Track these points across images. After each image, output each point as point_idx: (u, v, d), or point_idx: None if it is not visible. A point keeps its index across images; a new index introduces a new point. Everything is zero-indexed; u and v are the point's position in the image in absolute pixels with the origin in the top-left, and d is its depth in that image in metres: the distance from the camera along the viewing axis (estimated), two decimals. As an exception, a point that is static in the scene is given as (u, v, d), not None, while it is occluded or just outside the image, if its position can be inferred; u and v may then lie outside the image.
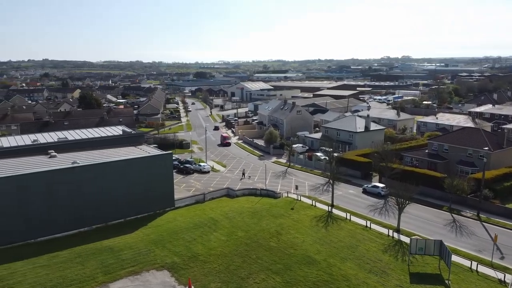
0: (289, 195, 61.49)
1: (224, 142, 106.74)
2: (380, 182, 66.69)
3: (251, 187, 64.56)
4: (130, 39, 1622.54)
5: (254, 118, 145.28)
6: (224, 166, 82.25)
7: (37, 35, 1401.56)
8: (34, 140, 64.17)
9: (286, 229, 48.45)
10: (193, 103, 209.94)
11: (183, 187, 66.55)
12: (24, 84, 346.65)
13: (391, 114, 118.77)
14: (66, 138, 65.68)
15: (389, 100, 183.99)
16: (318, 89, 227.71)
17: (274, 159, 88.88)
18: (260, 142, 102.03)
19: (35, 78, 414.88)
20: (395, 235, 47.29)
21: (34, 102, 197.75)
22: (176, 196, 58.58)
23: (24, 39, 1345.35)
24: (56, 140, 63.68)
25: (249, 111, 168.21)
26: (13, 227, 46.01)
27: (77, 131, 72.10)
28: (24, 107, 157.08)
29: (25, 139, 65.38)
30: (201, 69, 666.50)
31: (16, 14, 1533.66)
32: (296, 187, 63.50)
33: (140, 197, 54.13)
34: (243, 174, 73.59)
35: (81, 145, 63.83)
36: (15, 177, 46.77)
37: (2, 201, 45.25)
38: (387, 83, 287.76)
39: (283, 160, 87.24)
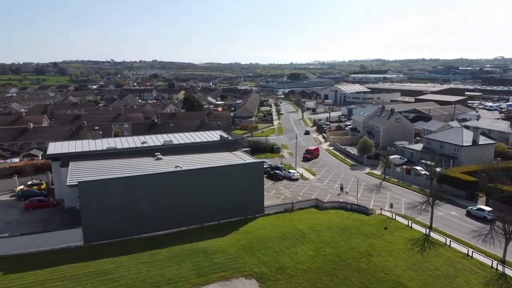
0: (383, 212, 58.92)
1: (307, 157, 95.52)
2: (486, 205, 60.55)
3: (341, 200, 63.35)
4: (229, 41, 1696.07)
5: (348, 123, 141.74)
6: (314, 174, 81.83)
7: (149, 37, 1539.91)
8: (143, 142, 70.65)
9: (377, 251, 46.66)
10: (280, 102, 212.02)
11: (273, 194, 67.87)
12: (135, 84, 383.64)
13: (503, 125, 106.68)
14: (171, 141, 71.18)
15: (501, 108, 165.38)
16: (421, 92, 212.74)
17: (367, 170, 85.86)
18: (353, 150, 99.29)
19: (145, 78, 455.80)
20: (500, 267, 42.68)
21: (144, 102, 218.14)
22: (266, 203, 60.08)
23: (136, 41, 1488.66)
24: (162, 143, 69.50)
25: (342, 115, 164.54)
26: (123, 223, 51.32)
27: (181, 134, 77.66)
28: (135, 106, 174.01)
29: (136, 141, 72.32)
30: (295, 70, 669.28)
31: (130, 18, 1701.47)
32: (391, 205, 60.52)
33: (233, 202, 56.71)
34: (341, 189, 70.00)
35: (183, 149, 68.81)
36: (127, 178, 52.32)
37: (114, 199, 50.85)
38: (500, 88, 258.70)
39: (377, 172, 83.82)
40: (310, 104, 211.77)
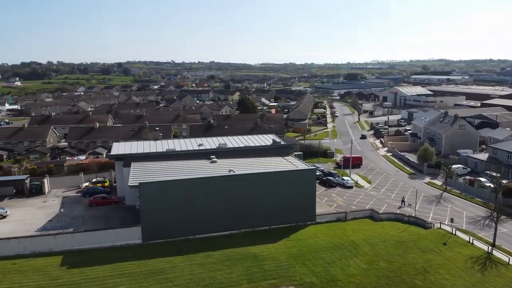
0: (442, 226, 55.82)
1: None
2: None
3: (398, 212, 61.01)
4: (285, 40, 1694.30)
5: (407, 128, 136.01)
6: (369, 182, 79.50)
7: (206, 39, 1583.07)
8: (200, 145, 72.84)
9: (434, 268, 44.44)
10: (332, 102, 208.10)
11: (325, 201, 66.93)
12: (194, 85, 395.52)
13: None
14: (225, 144, 72.77)
15: None
16: (488, 96, 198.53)
17: (427, 179, 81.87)
18: (412, 158, 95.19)
19: (203, 79, 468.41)
20: None
21: (201, 102, 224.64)
22: (318, 211, 59.42)
23: (195, 42, 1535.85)
24: (217, 146, 71.24)
25: (401, 119, 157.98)
26: (179, 224, 53.29)
27: (234, 137, 79.11)
28: (193, 107, 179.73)
29: (193, 143, 74.73)
30: (352, 70, 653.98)
31: (189, 20, 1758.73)
32: (452, 220, 57.19)
33: (284, 208, 56.75)
34: (403, 201, 65.74)
35: (236, 153, 70.03)
36: (183, 181, 54.43)
37: (172, 200, 52.97)
38: None
39: (438, 182, 79.64)
40: (367, 106, 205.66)
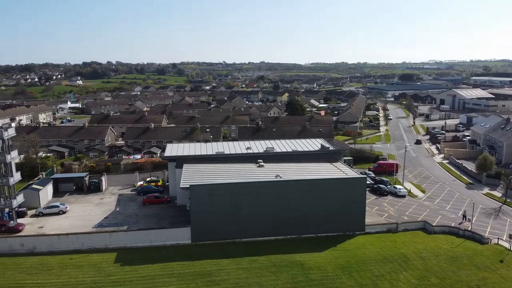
0: (500, 242, 52.48)
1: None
2: None
3: (452, 225, 57.99)
4: (336, 39, 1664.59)
5: (466, 134, 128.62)
6: (423, 192, 76.12)
7: (257, 39, 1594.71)
8: (248, 148, 73.75)
9: (490, 286, 41.94)
10: (385, 104, 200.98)
11: (375, 210, 65.04)
12: (243, 85, 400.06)
13: None
14: (273, 148, 73.03)
15: None
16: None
17: (485, 190, 77.06)
18: (470, 166, 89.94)
19: (252, 79, 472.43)
20: None
21: (250, 103, 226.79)
22: (367, 220, 57.94)
23: (246, 42, 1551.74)
24: (264, 150, 71.71)
25: (460, 124, 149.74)
26: (226, 226, 54.34)
27: (282, 141, 79.16)
28: (242, 108, 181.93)
29: (241, 146, 75.79)
30: (408, 70, 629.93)
31: (240, 20, 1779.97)
32: (510, 236, 53.39)
33: (332, 216, 55.97)
34: (464, 216, 60.55)
35: (283, 157, 70.05)
36: (232, 184, 55.41)
37: (220, 203, 54.10)
38: None
39: (497, 194, 74.71)
40: (423, 109, 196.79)
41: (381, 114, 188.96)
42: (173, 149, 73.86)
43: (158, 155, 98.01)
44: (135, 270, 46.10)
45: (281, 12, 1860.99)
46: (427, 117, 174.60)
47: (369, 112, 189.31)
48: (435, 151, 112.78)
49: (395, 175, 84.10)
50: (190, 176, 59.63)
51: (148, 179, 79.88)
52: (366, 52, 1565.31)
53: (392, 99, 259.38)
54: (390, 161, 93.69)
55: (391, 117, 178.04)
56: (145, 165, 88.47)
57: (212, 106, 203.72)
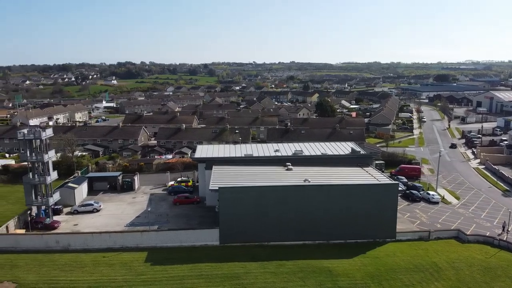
0: (539, 253, 50.05)
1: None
2: None
3: (487, 234, 55.76)
4: (369, 39, 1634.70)
5: (503, 138, 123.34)
6: (458, 198, 73.55)
7: (287, 39, 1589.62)
8: (276, 150, 73.70)
9: (528, 302, 40.06)
10: (419, 106, 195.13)
11: (407, 217, 63.45)
12: (273, 86, 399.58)
13: None
14: (301, 151, 72.66)
15: None
16: None
17: (524, 198, 73.79)
18: (508, 173, 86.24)
19: (282, 79, 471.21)
20: None
21: (279, 104, 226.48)
22: (398, 227, 56.61)
23: (276, 42, 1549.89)
24: (292, 153, 71.46)
25: (497, 128, 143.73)
26: (254, 229, 54.51)
27: (311, 144, 78.61)
28: (271, 109, 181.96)
29: (270, 148, 75.86)
30: (443, 70, 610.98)
31: (270, 20, 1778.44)
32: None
33: (362, 222, 55.03)
34: (503, 228, 57.79)
35: (312, 161, 69.55)
36: (260, 187, 55.64)
37: (248, 205, 54.34)
38: None
39: (537, 202, 71.39)
40: (459, 111, 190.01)
41: (415, 116, 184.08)
42: (203, 151, 74.89)
43: (189, 155, 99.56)
44: (165, 270, 47.04)
45: (312, 12, 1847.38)
46: (463, 120, 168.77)
47: (402, 114, 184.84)
48: (471, 156, 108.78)
49: (418, 179, 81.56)
50: (219, 178, 60.20)
51: (178, 179, 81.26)
52: (400, 52, 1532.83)
53: (427, 100, 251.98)
54: (411, 165, 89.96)
55: (425, 119, 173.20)
56: (176, 165, 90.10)
57: (241, 106, 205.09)
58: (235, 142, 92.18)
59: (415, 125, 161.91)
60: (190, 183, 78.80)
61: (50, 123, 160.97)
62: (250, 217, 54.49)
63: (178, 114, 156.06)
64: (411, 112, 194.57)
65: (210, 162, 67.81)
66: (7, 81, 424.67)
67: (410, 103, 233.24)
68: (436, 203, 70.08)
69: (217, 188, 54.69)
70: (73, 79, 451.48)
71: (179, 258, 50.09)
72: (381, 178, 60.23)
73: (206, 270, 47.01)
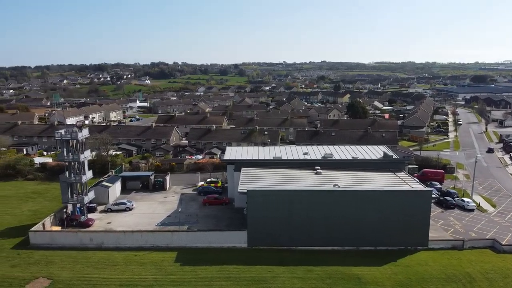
0: None
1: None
2: None
3: (526, 245, 53.38)
4: (403, 38, 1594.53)
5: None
6: (494, 206, 70.78)
7: (318, 39, 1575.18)
8: (305, 153, 73.19)
9: None
10: (455, 108, 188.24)
11: (440, 225, 61.62)
12: (303, 86, 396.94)
13: None
14: (331, 154, 71.83)
15: None
16: None
17: None
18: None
19: (313, 79, 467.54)
20: None
21: (309, 105, 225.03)
22: (431, 235, 55.03)
23: (306, 42, 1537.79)
24: (322, 157, 70.79)
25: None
26: (282, 233, 54.45)
27: (341, 147, 77.51)
28: (301, 110, 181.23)
29: (298, 151, 75.48)
30: (481, 71, 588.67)
31: (299, 20, 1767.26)
32: None
33: (393, 229, 53.86)
34: None
35: (342, 165, 68.59)
36: (289, 191, 55.43)
37: (276, 209, 54.30)
38: None
39: None
40: (497, 114, 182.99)
41: (450, 118, 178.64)
42: (232, 153, 75.46)
43: (218, 156, 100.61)
44: (194, 270, 47.76)
45: (344, 12, 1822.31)
46: (501, 123, 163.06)
47: (437, 116, 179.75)
48: (509, 161, 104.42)
49: (441, 184, 79.15)
50: (248, 180, 60.48)
51: (208, 179, 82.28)
52: (436, 51, 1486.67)
53: (463, 102, 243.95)
54: (434, 169, 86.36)
55: (461, 122, 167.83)
56: (206, 165, 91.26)
57: (270, 107, 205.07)
58: (263, 144, 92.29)
59: (451, 128, 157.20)
60: (219, 184, 79.61)
61: (86, 122, 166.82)
62: (278, 220, 54.46)
63: (209, 114, 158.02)
64: (447, 115, 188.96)
65: (239, 164, 68.22)
66: (45, 80, 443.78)
67: (446, 105, 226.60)
68: (471, 210, 67.72)
69: (246, 190, 55.00)
70: (108, 78, 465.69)
71: (208, 259, 50.70)
72: (413, 184, 58.70)
73: (234, 272, 47.38)
